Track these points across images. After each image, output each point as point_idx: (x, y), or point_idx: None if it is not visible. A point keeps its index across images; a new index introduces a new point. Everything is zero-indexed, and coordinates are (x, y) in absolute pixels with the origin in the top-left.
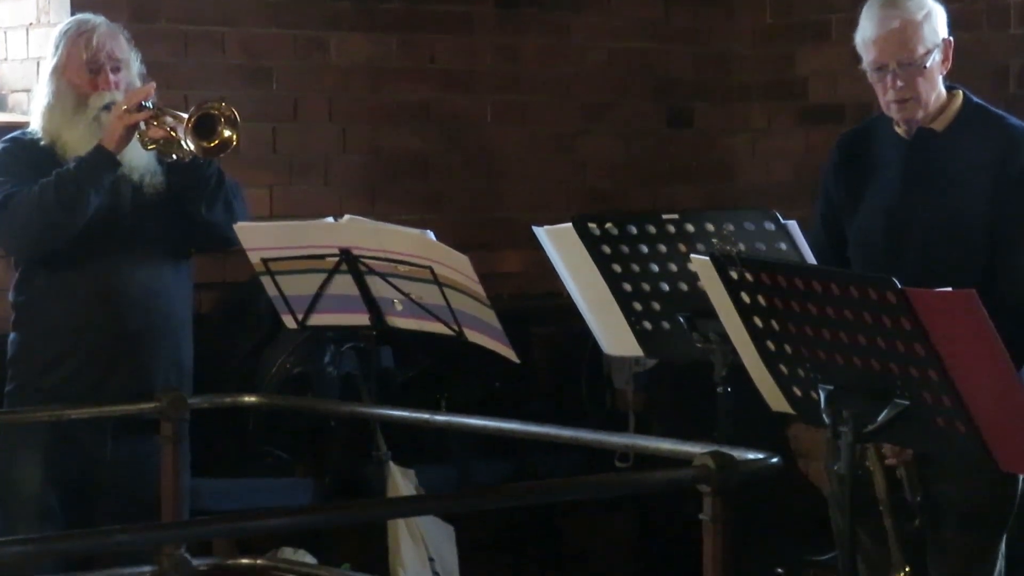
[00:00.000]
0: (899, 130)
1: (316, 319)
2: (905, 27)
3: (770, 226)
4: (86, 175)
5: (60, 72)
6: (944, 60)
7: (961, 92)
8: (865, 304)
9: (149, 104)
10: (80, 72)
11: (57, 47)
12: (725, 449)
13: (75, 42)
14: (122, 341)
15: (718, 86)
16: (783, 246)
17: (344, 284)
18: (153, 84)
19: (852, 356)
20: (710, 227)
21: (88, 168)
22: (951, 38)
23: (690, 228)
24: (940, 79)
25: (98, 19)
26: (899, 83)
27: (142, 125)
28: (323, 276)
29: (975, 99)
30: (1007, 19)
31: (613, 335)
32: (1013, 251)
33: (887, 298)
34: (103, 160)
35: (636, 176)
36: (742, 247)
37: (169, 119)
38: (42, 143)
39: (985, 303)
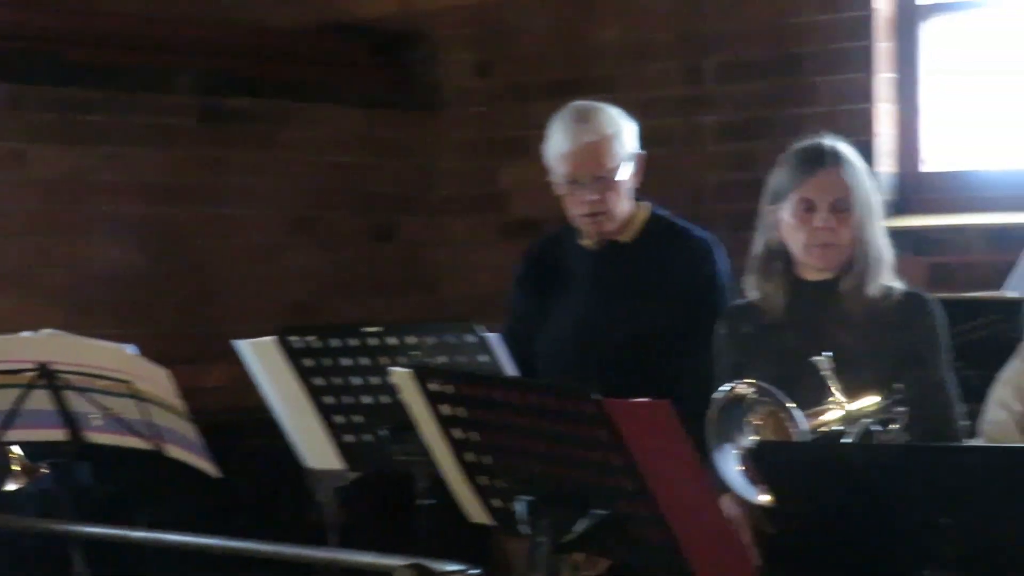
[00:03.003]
0: (586, 242)
1: (11, 435)
2: (599, 142)
3: (471, 339)
4: None
5: None
6: (635, 174)
7: (648, 205)
8: (562, 414)
9: None
10: None
11: None
12: (425, 562)
13: None
14: None
15: (421, 200)
16: (484, 358)
17: (41, 399)
18: None
19: (550, 466)
20: (412, 340)
21: None
22: (644, 152)
23: (392, 341)
24: (631, 192)
25: None
26: (592, 196)
27: None
28: (19, 391)
29: (660, 211)
30: (703, 137)
31: (315, 448)
32: (693, 359)
33: (584, 408)
34: None
35: (341, 289)
36: (443, 359)
37: None
38: None
39: (676, 410)
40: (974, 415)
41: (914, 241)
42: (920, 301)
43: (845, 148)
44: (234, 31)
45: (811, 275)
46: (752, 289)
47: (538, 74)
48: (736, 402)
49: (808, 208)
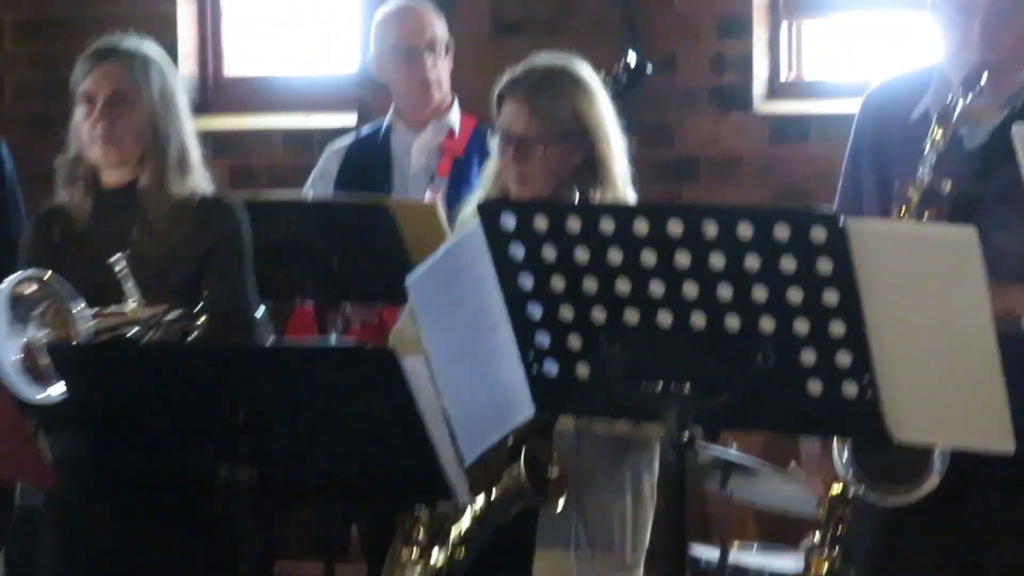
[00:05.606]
0: None
1: None
2: None
3: None
4: None
5: None
6: None
7: None
8: None
9: None
10: None
11: None
12: None
13: None
14: None
15: None
16: None
17: None
18: None
19: None
20: None
21: None
22: None
23: None
24: None
25: None
26: None
27: None
28: None
29: None
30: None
31: None
32: None
33: None
34: None
35: None
36: None
37: None
38: None
39: None
40: (277, 314)
41: (215, 143)
42: (223, 206)
43: (138, 44)
44: None
45: (110, 180)
46: (61, 195)
47: None
48: (23, 296)
49: (90, 101)
